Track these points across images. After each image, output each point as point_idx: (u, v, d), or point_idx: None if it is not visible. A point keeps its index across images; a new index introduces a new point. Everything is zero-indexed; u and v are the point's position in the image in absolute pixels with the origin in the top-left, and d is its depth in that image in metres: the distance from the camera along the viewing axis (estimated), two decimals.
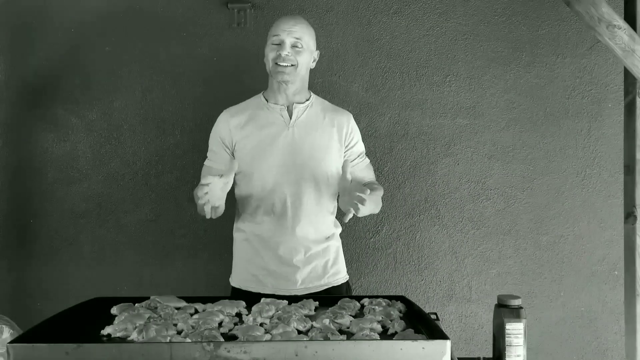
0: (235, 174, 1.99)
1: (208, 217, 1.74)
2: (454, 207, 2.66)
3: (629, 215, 2.24)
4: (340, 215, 2.05)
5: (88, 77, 2.65)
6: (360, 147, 2.10)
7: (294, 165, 1.95)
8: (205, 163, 2.04)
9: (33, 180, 2.67)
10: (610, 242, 2.65)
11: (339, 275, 2.08)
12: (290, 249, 1.97)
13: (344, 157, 2.02)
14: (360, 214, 1.85)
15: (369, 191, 1.70)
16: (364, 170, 2.08)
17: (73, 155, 2.67)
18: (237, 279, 2.06)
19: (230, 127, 2.00)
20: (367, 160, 2.12)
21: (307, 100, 2.03)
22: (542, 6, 2.63)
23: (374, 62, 2.64)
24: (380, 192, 2.05)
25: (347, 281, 2.12)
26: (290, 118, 1.98)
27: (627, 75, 2.25)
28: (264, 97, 2.04)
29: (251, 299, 1.60)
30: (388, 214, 2.63)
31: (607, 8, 2.08)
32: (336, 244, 2.09)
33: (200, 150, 2.66)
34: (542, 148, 2.65)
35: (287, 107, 2.00)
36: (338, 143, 2.01)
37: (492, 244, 2.67)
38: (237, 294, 2.01)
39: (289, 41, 1.93)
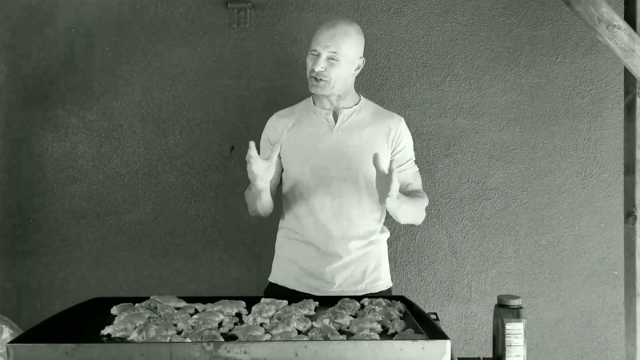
0: (281, 174, 2.05)
1: (259, 189, 1.78)
2: (454, 207, 2.66)
3: (629, 215, 2.24)
4: (388, 220, 2.05)
5: (88, 77, 2.65)
6: (409, 152, 2.06)
7: (336, 168, 1.95)
8: None
9: (33, 180, 2.67)
10: (610, 242, 2.65)
11: (380, 282, 2.04)
12: (329, 251, 1.96)
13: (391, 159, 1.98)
14: (402, 219, 1.89)
15: (396, 178, 1.68)
16: (410, 177, 2.04)
17: (73, 155, 2.67)
18: (276, 276, 2.08)
19: (277, 129, 2.02)
20: (416, 168, 2.08)
21: (356, 104, 2.03)
22: (542, 6, 2.63)
23: (374, 62, 2.64)
24: (423, 201, 2.02)
25: (390, 289, 2.08)
26: (336, 122, 1.98)
27: (627, 75, 2.25)
28: (313, 101, 2.05)
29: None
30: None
31: (607, 8, 2.08)
32: (379, 249, 2.06)
33: (200, 150, 2.68)
34: (542, 148, 2.65)
35: (334, 112, 2.00)
36: (385, 146, 1.99)
37: (492, 244, 2.67)
38: (274, 289, 2.02)
39: (324, 55, 1.91)
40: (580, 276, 2.66)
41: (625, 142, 2.28)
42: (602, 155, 2.65)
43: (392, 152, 2.01)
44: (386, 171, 1.73)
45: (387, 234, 2.10)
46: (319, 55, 1.92)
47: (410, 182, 2.04)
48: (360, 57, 2.01)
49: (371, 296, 1.92)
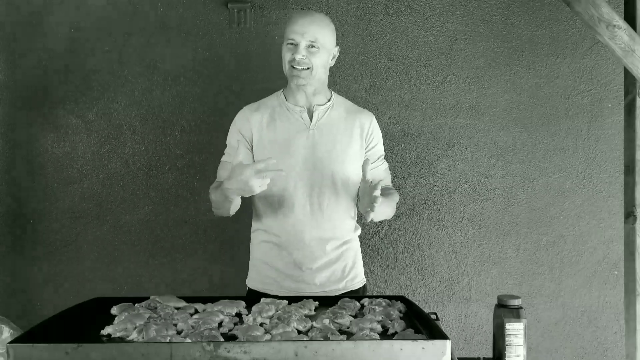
0: None
1: (232, 197, 1.75)
2: (454, 207, 2.66)
3: (629, 215, 2.24)
4: (360, 218, 2.04)
5: (88, 77, 2.65)
6: (380, 149, 2.05)
7: (314, 168, 1.92)
8: (223, 159, 2.00)
9: (33, 180, 2.67)
10: (610, 242, 2.65)
11: (357, 279, 2.04)
12: (308, 252, 1.94)
13: (364, 157, 1.98)
14: (376, 218, 1.84)
15: (379, 190, 1.69)
16: (381, 174, 2.03)
17: (73, 155, 2.67)
18: (254, 281, 2.03)
19: (250, 123, 1.97)
20: (386, 165, 2.08)
21: (329, 101, 2.00)
22: (542, 6, 2.63)
23: (374, 62, 2.64)
24: (395, 198, 2.03)
25: (365, 285, 2.09)
26: (311, 120, 1.96)
27: (627, 75, 2.25)
28: (284, 96, 2.01)
29: (255, 302, 1.58)
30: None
31: (607, 8, 2.08)
32: (355, 246, 2.05)
33: (200, 150, 2.67)
34: (542, 148, 2.65)
35: (308, 108, 1.97)
36: (359, 144, 1.98)
37: (492, 244, 2.67)
38: (254, 295, 1.97)
39: (303, 43, 1.88)
40: (580, 276, 2.66)
41: (625, 142, 2.28)
42: (602, 155, 2.65)
43: (366, 148, 2.00)
44: (369, 179, 1.74)
45: (359, 231, 2.09)
46: (297, 45, 1.88)
47: (381, 178, 1.99)
48: (336, 46, 1.99)
49: (351, 293, 1.96)
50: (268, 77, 2.63)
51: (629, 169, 2.25)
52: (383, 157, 2.07)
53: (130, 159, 2.67)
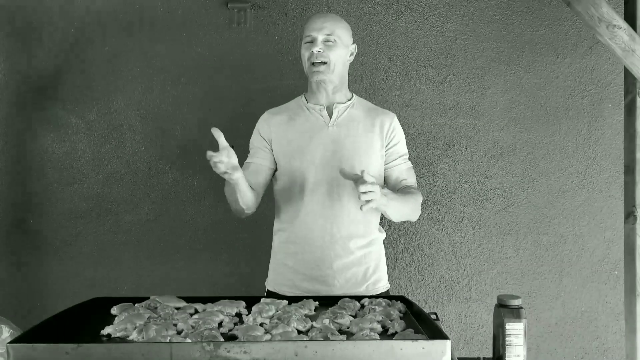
0: (275, 171, 2.00)
1: (235, 179, 1.73)
2: (454, 207, 2.66)
3: (629, 215, 2.24)
4: (384, 221, 2.03)
5: (88, 77, 2.65)
6: (402, 148, 2.02)
7: (334, 165, 1.90)
8: (246, 161, 2.00)
9: (33, 180, 2.67)
10: (610, 242, 2.65)
11: (380, 283, 2.00)
12: (329, 252, 1.91)
13: (385, 157, 1.97)
14: (393, 218, 1.86)
15: (368, 179, 1.65)
16: (404, 172, 2.00)
17: (73, 155, 2.67)
18: (273, 282, 2.01)
19: (270, 125, 1.98)
20: (410, 164, 2.04)
21: (349, 100, 2.01)
22: (542, 6, 2.63)
23: (374, 62, 2.64)
24: (417, 197, 1.96)
25: (388, 290, 2.04)
26: (330, 118, 1.96)
27: (627, 75, 2.25)
28: (305, 98, 2.02)
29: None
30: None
31: (607, 8, 2.08)
32: (378, 250, 2.02)
33: (200, 151, 2.66)
34: (542, 148, 2.65)
35: (327, 107, 1.98)
36: (379, 143, 1.97)
37: (492, 244, 2.67)
38: (273, 297, 1.92)
39: (320, 37, 1.91)
40: (580, 276, 2.66)
41: (625, 142, 2.28)
42: (602, 155, 2.65)
43: (386, 146, 1.99)
44: (362, 170, 1.69)
45: (384, 235, 2.07)
46: (314, 41, 1.92)
47: (404, 177, 2.00)
48: (353, 43, 2.01)
49: (372, 297, 1.92)
50: (268, 77, 2.63)
51: (629, 169, 2.25)
52: (406, 156, 2.04)
53: (130, 159, 2.67)
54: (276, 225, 2.04)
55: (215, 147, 1.71)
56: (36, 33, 2.64)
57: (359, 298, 1.64)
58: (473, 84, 2.65)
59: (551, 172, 2.66)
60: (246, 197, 1.87)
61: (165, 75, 2.65)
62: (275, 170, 2.00)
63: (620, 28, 2.09)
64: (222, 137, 1.71)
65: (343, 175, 1.76)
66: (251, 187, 1.88)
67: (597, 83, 2.64)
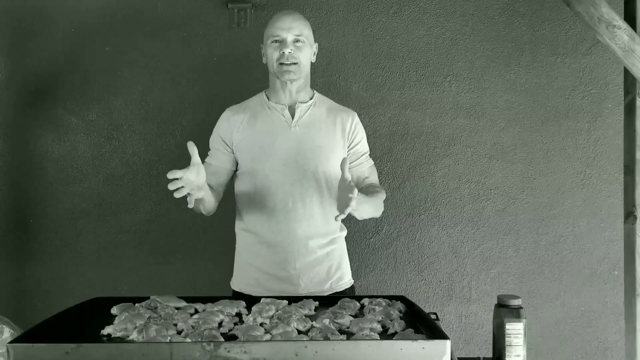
0: (235, 172, 2.00)
1: (191, 206, 1.68)
2: (454, 207, 2.67)
3: (629, 215, 2.24)
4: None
5: (88, 77, 2.65)
6: (364, 146, 2.04)
7: (296, 165, 1.91)
8: (206, 160, 1.99)
9: (33, 180, 2.67)
10: (610, 242, 2.65)
11: (343, 280, 2.02)
12: (292, 252, 1.92)
13: (347, 156, 1.97)
14: (359, 217, 1.83)
15: (356, 192, 1.64)
16: (366, 171, 2.02)
17: (73, 155, 2.67)
18: (238, 282, 2.02)
19: (231, 125, 1.97)
20: (371, 162, 2.06)
21: (311, 99, 2.00)
22: (542, 6, 2.63)
23: (374, 62, 2.64)
24: (381, 196, 1.98)
25: (352, 286, 2.07)
26: (293, 118, 1.94)
27: (627, 75, 2.25)
28: (266, 96, 2.01)
29: (252, 302, 1.58)
30: (388, 214, 2.63)
31: (607, 8, 2.08)
32: (340, 247, 2.04)
33: (200, 151, 2.66)
34: (542, 148, 2.65)
35: (290, 106, 1.96)
36: (341, 142, 1.97)
37: (492, 244, 2.67)
38: (238, 297, 1.92)
39: (290, 38, 1.90)
40: (580, 276, 2.66)
41: (625, 142, 2.27)
42: (602, 155, 2.65)
43: (349, 146, 1.99)
44: (348, 178, 1.68)
45: (345, 232, 2.07)
46: (283, 41, 1.90)
47: (366, 175, 2.00)
48: (315, 42, 2.02)
49: (336, 295, 1.93)
50: (268, 77, 2.63)
51: (629, 169, 2.25)
52: (367, 154, 2.05)
53: (130, 159, 2.67)
54: (239, 225, 2.03)
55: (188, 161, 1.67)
56: (37, 33, 2.64)
57: (359, 298, 1.63)
58: (473, 84, 2.65)
59: (551, 172, 2.66)
60: (210, 206, 1.89)
61: (165, 75, 2.65)
62: (236, 170, 2.00)
63: (620, 28, 2.09)
64: (196, 153, 1.69)
65: (342, 169, 1.72)
66: (211, 188, 1.88)
67: (597, 83, 2.64)
